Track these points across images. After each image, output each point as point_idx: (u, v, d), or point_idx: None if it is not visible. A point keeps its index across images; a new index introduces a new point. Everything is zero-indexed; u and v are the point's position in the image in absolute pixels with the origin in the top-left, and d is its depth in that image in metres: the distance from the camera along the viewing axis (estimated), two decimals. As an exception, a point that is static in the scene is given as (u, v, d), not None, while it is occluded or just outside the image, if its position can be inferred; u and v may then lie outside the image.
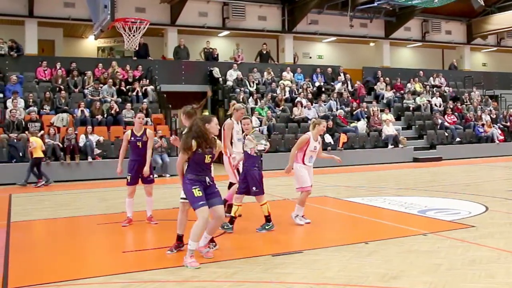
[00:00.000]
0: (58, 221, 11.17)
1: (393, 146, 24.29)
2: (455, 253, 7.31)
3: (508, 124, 29.04)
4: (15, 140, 18.43)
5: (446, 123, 27.15)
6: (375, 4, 27.34)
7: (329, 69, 28.89)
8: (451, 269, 6.56)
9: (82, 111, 20.74)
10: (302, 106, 24.34)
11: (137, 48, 18.16)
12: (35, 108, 20.45)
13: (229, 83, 25.48)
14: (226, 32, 28.94)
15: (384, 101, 28.24)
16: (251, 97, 24.58)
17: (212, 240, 7.60)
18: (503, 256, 7.15)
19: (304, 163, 9.53)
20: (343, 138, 23.18)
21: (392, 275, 6.39)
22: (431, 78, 31.76)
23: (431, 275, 6.31)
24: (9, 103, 20.26)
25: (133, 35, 15.77)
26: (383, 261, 7.03)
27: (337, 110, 25.39)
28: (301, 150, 9.53)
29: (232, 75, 25.86)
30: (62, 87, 22.17)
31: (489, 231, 8.77)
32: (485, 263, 6.76)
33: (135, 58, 25.21)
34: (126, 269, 7.06)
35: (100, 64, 24.00)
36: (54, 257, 7.95)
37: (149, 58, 25.70)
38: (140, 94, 22.99)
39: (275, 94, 25.26)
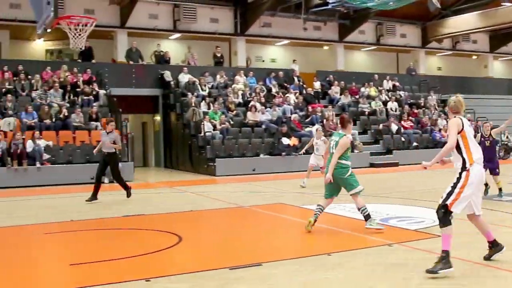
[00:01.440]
0: (2, 230, 10.27)
1: (349, 151, 22.76)
2: (425, 266, 6.38)
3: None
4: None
5: (402, 128, 25.38)
6: (329, 6, 25.93)
7: (281, 73, 27.52)
8: (422, 284, 5.93)
9: (29, 115, 19.53)
10: (256, 111, 23.10)
11: (83, 48, 17.10)
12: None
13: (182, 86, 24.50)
14: (177, 35, 27.87)
15: (339, 105, 26.87)
16: (203, 101, 23.46)
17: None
18: (476, 269, 6.49)
19: None
20: (294, 141, 21.94)
21: (359, 290, 5.94)
22: (385, 81, 29.79)
23: (402, 291, 5.81)
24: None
25: (79, 34, 14.78)
26: (348, 274, 6.41)
27: (291, 114, 24.13)
28: None
29: (184, 78, 24.68)
30: (9, 90, 20.95)
31: (458, 241, 7.65)
32: (459, 277, 6.09)
33: (79, 60, 24.35)
34: (74, 284, 6.43)
35: (48, 67, 22.74)
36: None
37: (93, 61, 24.32)
38: (89, 97, 21.74)
39: (226, 98, 24.07)
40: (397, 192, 14.04)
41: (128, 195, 13.40)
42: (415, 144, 24.99)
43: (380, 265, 6.74)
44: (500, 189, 12.21)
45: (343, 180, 8.70)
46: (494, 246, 6.68)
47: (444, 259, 6.12)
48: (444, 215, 6.29)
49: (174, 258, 7.70)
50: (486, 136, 12.29)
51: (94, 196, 13.05)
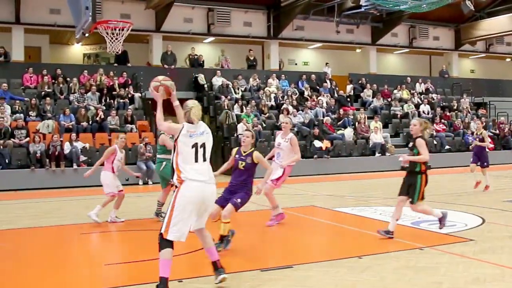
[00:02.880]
0: (40, 230, 10.42)
1: (380, 154, 22.83)
2: (456, 270, 6.58)
3: (498, 132, 26.66)
4: (1, 147, 17.82)
5: (434, 131, 24.79)
6: (362, 9, 25.64)
7: (313, 76, 27.47)
8: None
9: (67, 117, 19.82)
10: (288, 113, 22.91)
11: (119, 52, 17.21)
12: (22, 115, 19.63)
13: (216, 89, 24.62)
14: (211, 38, 27.86)
15: (371, 108, 26.71)
16: (236, 104, 23.42)
17: None
18: (508, 274, 6.38)
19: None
20: (326, 144, 21.99)
21: (390, 295, 5.87)
22: (417, 84, 29.49)
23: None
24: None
25: (116, 38, 14.64)
26: (379, 278, 6.35)
27: (323, 117, 24.05)
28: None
29: (218, 81, 24.82)
30: (48, 93, 21.27)
31: (489, 245, 7.89)
32: (490, 282, 6.06)
33: (115, 64, 24.36)
34: (107, 284, 6.53)
35: (86, 71, 23.08)
36: (24, 269, 7.30)
37: (128, 64, 24.41)
38: (124, 100, 22.00)
39: (258, 101, 24.03)
40: (428, 196, 13.84)
41: None
42: (447, 147, 24.73)
43: (411, 268, 6.74)
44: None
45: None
46: (216, 269, 6.12)
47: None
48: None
49: (206, 259, 7.72)
50: (243, 155, 8.86)
51: None
